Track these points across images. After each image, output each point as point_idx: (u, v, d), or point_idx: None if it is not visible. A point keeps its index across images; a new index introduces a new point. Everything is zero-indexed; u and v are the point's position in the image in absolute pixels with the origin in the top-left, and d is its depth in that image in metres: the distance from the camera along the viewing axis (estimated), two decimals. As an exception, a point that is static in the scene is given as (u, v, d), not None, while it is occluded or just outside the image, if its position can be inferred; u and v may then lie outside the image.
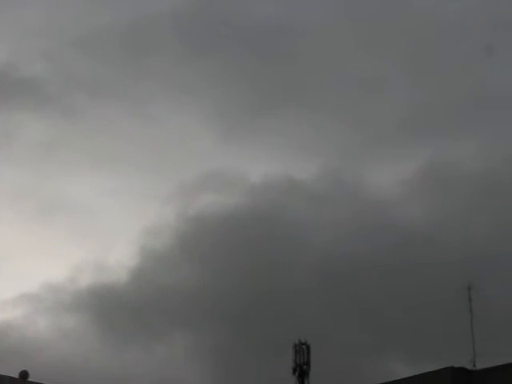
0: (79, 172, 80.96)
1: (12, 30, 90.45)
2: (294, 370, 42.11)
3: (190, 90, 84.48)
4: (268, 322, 58.31)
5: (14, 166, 79.96)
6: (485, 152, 75.00)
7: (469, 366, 38.68)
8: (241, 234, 70.69)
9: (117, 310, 68.69)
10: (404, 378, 39.36)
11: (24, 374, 41.15)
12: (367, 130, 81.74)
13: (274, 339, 53.56)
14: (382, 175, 75.33)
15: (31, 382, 41.42)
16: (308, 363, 42.16)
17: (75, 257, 76.84)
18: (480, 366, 38.59)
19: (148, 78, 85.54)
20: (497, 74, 79.66)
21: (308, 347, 42.34)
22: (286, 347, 42.37)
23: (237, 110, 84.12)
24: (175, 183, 78.69)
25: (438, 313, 49.33)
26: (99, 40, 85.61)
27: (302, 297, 61.33)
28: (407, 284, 59.67)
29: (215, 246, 70.92)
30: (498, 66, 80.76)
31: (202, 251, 71.26)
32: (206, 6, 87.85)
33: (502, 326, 43.93)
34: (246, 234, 70.28)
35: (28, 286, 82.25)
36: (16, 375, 41.03)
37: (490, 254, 58.70)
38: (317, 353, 42.41)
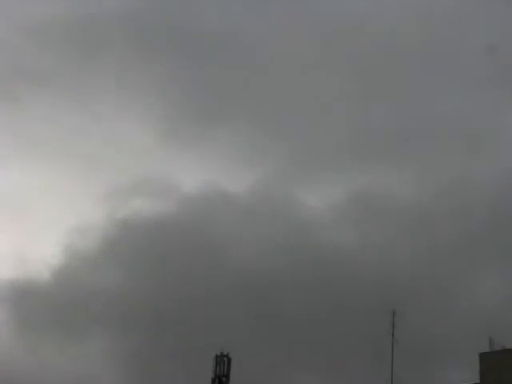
0: (12, 162, 80.00)
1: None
2: (213, 381, 42.46)
3: (135, 92, 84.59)
4: (189, 330, 58.36)
5: None
6: (418, 183, 76.58)
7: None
8: (167, 241, 70.75)
9: (35, 305, 68.10)
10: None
11: None
12: (306, 151, 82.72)
13: (194, 348, 53.67)
14: (315, 197, 76.22)
15: None
16: (227, 375, 42.57)
17: (-2, 248, 75.70)
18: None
19: (95, 75, 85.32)
20: (438, 106, 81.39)
21: (229, 360, 42.75)
22: (208, 357, 42.67)
23: (179, 117, 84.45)
24: (108, 184, 78.17)
25: (362, 335, 50.08)
26: (50, 32, 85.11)
27: (223, 307, 61.62)
28: (327, 302, 60.41)
29: (140, 251, 70.88)
30: (440, 99, 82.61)
31: (127, 255, 71.13)
32: (156, 10, 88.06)
33: (421, 352, 44.90)
34: (172, 243, 70.37)
35: None
36: None
37: (410, 282, 59.82)
38: (236, 365, 42.80)
